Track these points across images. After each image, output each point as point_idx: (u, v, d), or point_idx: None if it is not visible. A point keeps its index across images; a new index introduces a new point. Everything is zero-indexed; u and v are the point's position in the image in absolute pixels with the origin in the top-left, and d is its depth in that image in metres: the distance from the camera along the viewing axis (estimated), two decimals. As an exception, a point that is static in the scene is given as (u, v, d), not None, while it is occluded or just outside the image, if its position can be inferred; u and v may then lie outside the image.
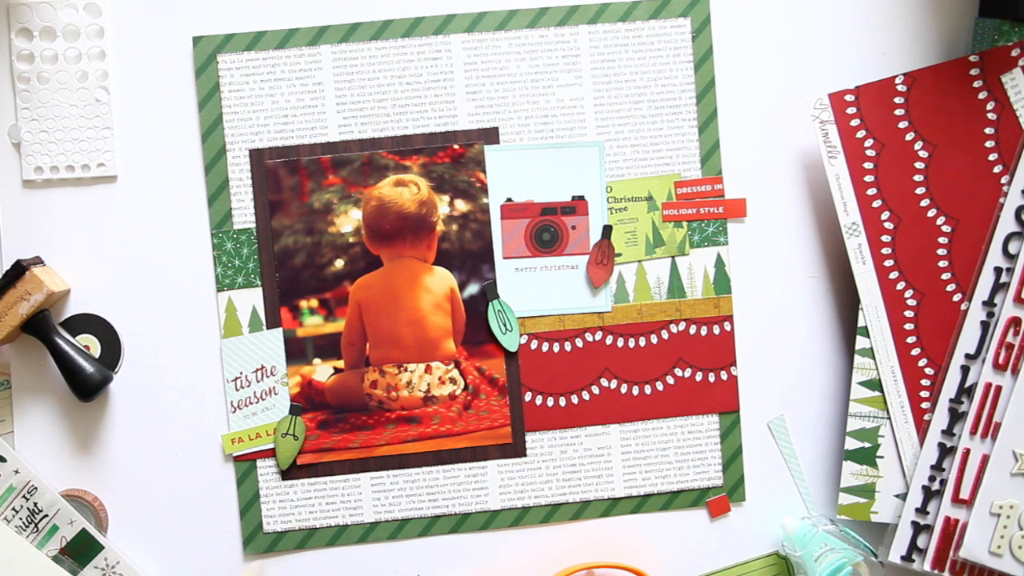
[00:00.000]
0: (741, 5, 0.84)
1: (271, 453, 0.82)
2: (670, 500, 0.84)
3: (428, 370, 0.83)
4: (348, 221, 0.82)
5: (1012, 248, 0.80)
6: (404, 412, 0.83)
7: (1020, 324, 0.79)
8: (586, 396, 0.83)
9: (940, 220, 0.81)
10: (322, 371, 0.82)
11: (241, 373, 0.82)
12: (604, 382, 0.83)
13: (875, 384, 0.81)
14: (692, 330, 0.84)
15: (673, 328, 0.84)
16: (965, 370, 0.80)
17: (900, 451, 0.81)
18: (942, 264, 0.81)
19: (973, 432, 0.79)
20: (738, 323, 0.84)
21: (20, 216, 0.81)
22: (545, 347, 0.83)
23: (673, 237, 0.84)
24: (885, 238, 0.81)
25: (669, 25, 0.83)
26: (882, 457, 0.81)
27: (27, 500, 0.78)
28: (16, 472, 0.79)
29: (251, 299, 0.82)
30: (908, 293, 0.81)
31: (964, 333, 0.80)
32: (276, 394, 0.82)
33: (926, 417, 0.81)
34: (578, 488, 0.84)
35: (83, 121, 0.81)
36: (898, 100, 0.81)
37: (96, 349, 0.81)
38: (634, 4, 0.83)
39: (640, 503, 0.84)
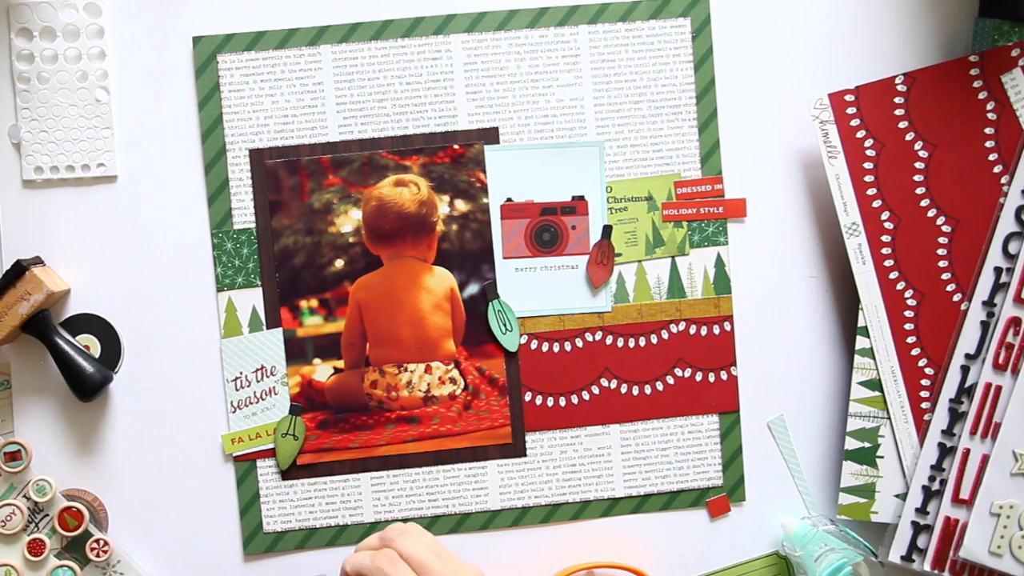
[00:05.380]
0: (741, 5, 0.84)
1: (271, 453, 0.82)
2: (670, 500, 0.84)
3: (428, 370, 0.83)
4: (348, 221, 0.82)
5: (1012, 248, 0.80)
6: (404, 412, 0.83)
7: (1020, 324, 0.79)
8: (586, 396, 0.83)
9: (940, 220, 0.81)
10: (322, 371, 0.82)
11: (241, 373, 0.82)
12: (604, 382, 0.83)
13: (875, 384, 0.81)
14: (692, 330, 0.84)
15: (673, 328, 0.84)
16: (965, 370, 0.80)
17: (900, 451, 0.81)
18: (942, 264, 0.81)
19: (973, 432, 0.79)
20: (738, 323, 0.84)
21: (20, 216, 0.81)
22: (545, 347, 0.83)
23: (673, 237, 0.84)
24: (885, 238, 0.81)
25: (669, 25, 0.83)
26: (882, 457, 0.81)
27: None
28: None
29: (251, 299, 0.82)
30: (908, 293, 0.81)
31: (964, 333, 0.80)
32: (276, 394, 0.82)
33: (926, 417, 0.81)
34: (578, 488, 0.84)
35: (83, 121, 0.81)
36: (898, 100, 0.81)
37: (96, 349, 0.81)
38: (634, 4, 0.83)
39: (640, 503, 0.84)
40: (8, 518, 0.77)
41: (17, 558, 0.77)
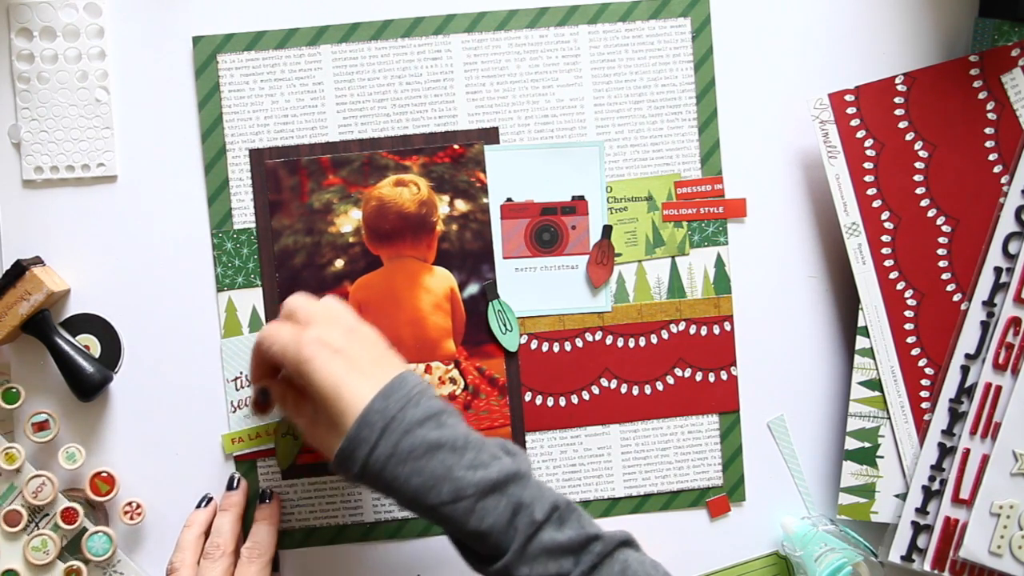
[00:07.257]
0: (741, 5, 0.84)
1: (271, 453, 0.82)
2: (670, 500, 0.84)
3: (428, 370, 0.83)
4: (348, 221, 0.82)
5: (1012, 248, 0.80)
6: (404, 412, 0.83)
7: (1020, 324, 0.79)
8: (586, 396, 0.83)
9: (940, 220, 0.81)
10: (322, 371, 0.82)
11: (241, 373, 0.82)
12: (604, 382, 0.83)
13: (875, 384, 0.81)
14: (692, 330, 0.84)
15: (673, 328, 0.84)
16: (965, 370, 0.80)
17: (900, 451, 0.81)
18: (942, 264, 0.81)
19: (973, 432, 0.79)
20: (738, 323, 0.84)
21: (20, 216, 0.81)
22: (545, 347, 0.83)
23: (673, 237, 0.84)
24: (885, 238, 0.81)
25: (669, 25, 0.83)
26: (882, 457, 0.81)
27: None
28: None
29: (251, 299, 0.82)
30: (908, 293, 0.81)
31: (964, 333, 0.80)
32: (276, 394, 0.82)
33: (926, 417, 0.81)
34: (578, 488, 0.84)
35: (83, 121, 0.81)
36: (898, 100, 0.81)
37: (96, 349, 0.81)
38: (634, 4, 0.83)
39: (640, 503, 0.84)
40: (39, 488, 0.78)
41: (50, 528, 0.78)
